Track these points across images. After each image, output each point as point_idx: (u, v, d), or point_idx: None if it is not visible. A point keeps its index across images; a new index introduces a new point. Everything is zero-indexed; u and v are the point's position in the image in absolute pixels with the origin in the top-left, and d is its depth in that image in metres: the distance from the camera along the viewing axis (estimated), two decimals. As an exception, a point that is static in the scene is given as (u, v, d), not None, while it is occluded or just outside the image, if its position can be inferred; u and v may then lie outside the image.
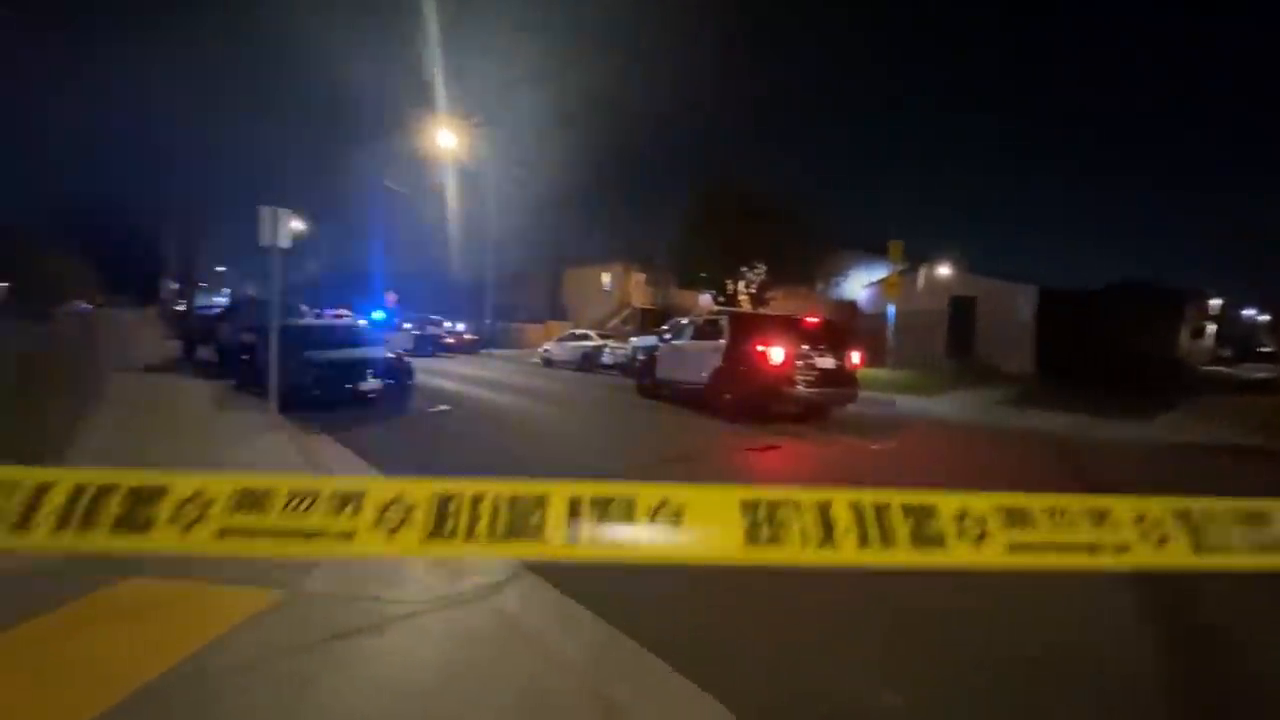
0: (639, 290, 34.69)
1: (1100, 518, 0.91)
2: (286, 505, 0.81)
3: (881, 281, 22.43)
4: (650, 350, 12.80)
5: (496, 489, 0.88)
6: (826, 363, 9.89)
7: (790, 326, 10.22)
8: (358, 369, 9.97)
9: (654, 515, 0.88)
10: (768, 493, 0.91)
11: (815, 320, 10.58)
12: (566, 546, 0.86)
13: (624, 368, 18.45)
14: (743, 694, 2.53)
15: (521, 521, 0.86)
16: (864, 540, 0.88)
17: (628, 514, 0.88)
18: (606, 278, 36.56)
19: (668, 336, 12.52)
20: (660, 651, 2.81)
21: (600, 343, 19.98)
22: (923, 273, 22.90)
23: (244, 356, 12.27)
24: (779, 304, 21.54)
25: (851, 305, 25.16)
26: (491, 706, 2.36)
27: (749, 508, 0.89)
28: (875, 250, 22.34)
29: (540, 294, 39.50)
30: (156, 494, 0.78)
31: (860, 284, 25.77)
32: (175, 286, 35.93)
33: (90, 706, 2.22)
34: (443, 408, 10.49)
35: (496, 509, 0.86)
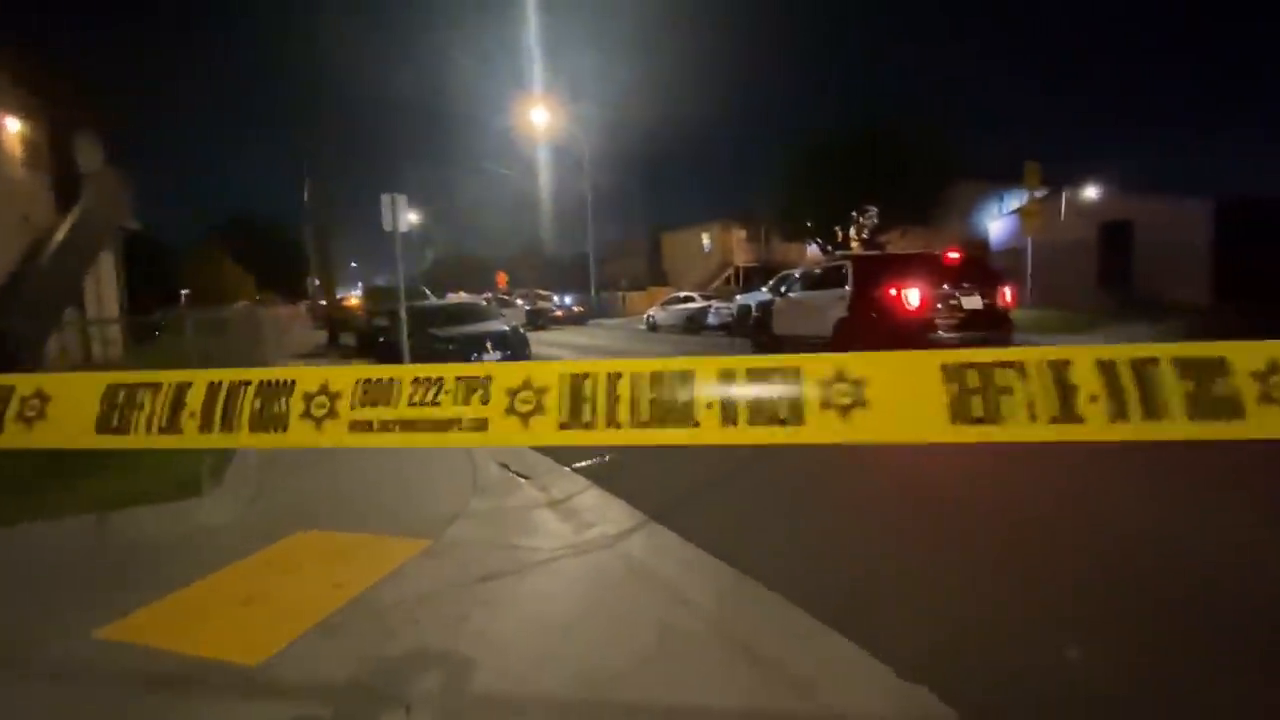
0: (740, 248, 33.83)
1: None
2: (412, 398, 0.75)
3: (1017, 211, 20.13)
4: (765, 305, 12.25)
5: (634, 367, 0.76)
6: (973, 303, 8.92)
7: (925, 265, 9.26)
8: (479, 342, 10.51)
9: (827, 388, 0.72)
10: (979, 355, 0.72)
11: (955, 256, 9.56)
12: (723, 430, 0.72)
13: (730, 327, 18.08)
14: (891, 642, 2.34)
15: (668, 403, 0.74)
16: (1120, 411, 0.66)
17: (793, 388, 0.73)
18: (706, 239, 35.97)
19: (782, 289, 11.90)
20: (791, 596, 2.69)
21: (704, 304, 19.70)
22: (1065, 197, 20.27)
23: (380, 339, 13.40)
24: (896, 247, 20.05)
25: (981, 242, 22.90)
26: (628, 640, 2.37)
27: (953, 374, 0.71)
28: (1006, 179, 20.05)
29: (641, 261, 39.65)
30: (286, 389, 0.76)
31: (990, 217, 23.34)
32: (317, 282, 39.88)
33: (289, 632, 2.49)
34: (557, 374, 10.82)
35: (637, 389, 0.75)
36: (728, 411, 0.74)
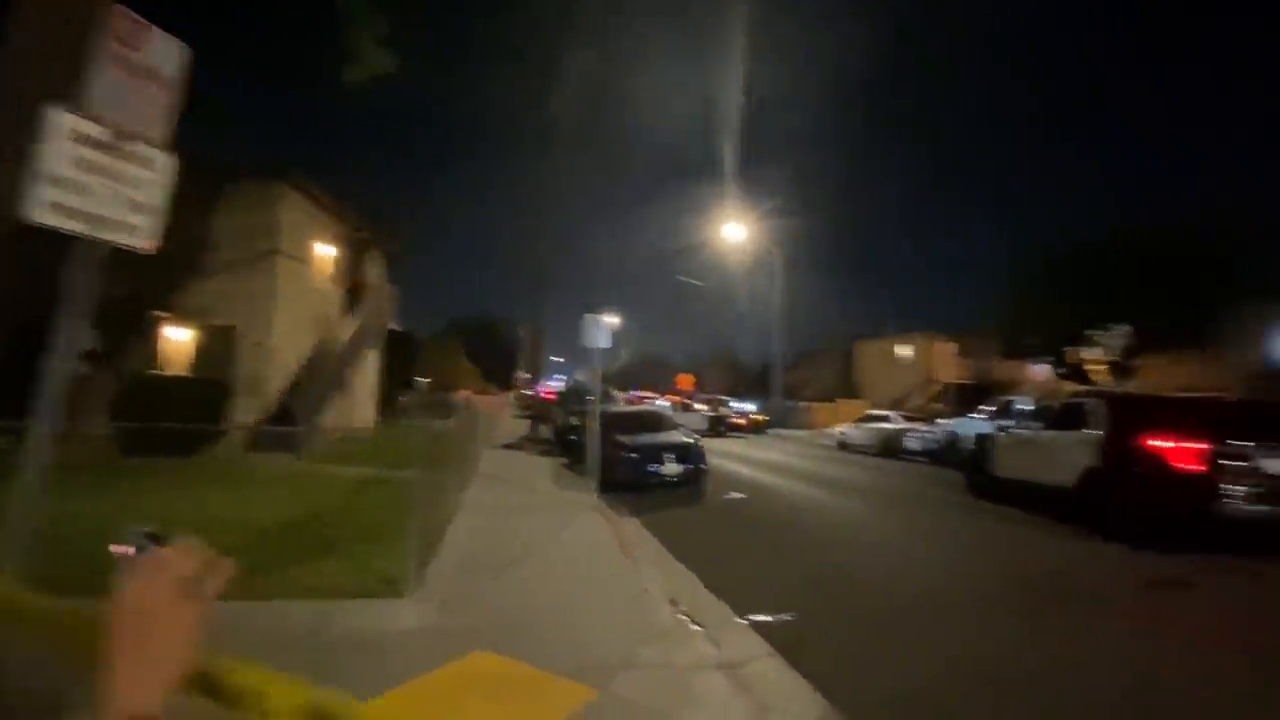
0: (947, 363, 30.86)
1: None
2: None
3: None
4: (983, 439, 10.60)
5: None
6: None
7: (1211, 413, 7.36)
8: (660, 453, 10.54)
9: None
10: None
11: (1263, 406, 7.52)
12: None
13: (935, 455, 16.14)
14: None
15: None
16: None
17: None
18: (906, 350, 33.51)
19: (1006, 423, 10.24)
20: None
21: (905, 425, 17.88)
22: None
23: (570, 437, 14.24)
24: (1160, 374, 16.60)
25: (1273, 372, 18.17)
26: None
27: None
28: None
29: (830, 371, 38.11)
30: None
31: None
32: (526, 376, 44.71)
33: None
34: (738, 496, 10.36)
35: None
36: None
